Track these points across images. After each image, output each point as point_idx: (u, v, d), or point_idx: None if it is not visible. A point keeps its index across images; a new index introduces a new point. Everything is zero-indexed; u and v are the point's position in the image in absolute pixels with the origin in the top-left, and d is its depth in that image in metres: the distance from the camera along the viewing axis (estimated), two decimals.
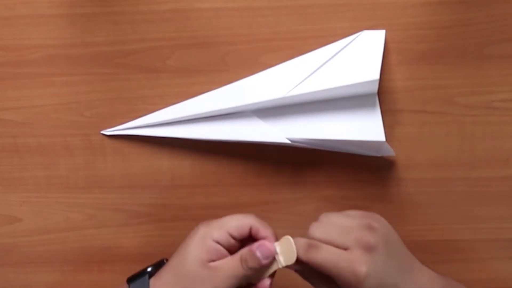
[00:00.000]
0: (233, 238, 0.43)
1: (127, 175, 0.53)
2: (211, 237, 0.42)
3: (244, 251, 0.42)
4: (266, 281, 0.43)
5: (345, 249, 0.41)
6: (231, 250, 0.43)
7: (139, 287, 0.44)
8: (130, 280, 0.46)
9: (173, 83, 0.51)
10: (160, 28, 0.50)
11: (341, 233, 0.41)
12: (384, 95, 0.50)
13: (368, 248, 0.40)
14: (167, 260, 0.48)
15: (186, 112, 0.50)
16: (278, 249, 0.42)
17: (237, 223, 0.43)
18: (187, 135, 0.51)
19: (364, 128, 0.48)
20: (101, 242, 0.55)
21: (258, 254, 0.41)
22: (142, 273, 0.45)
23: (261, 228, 0.43)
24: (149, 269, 0.46)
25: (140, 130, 0.52)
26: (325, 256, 0.40)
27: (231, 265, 0.42)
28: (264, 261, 0.42)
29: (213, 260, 0.42)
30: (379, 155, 0.51)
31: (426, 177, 0.52)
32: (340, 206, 0.54)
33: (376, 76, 0.46)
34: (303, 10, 0.49)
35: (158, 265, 0.46)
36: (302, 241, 0.42)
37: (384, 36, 0.48)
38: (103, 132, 0.52)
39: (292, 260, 0.42)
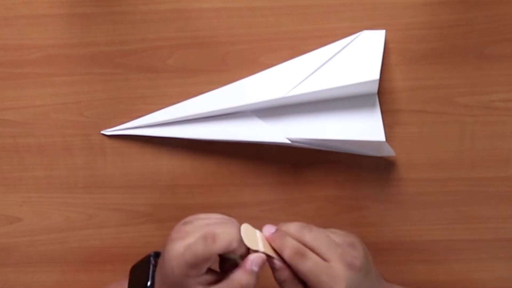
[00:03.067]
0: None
1: (127, 175, 0.53)
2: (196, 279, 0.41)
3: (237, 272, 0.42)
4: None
5: (328, 261, 0.41)
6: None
7: None
8: None
9: (173, 83, 0.51)
10: (160, 28, 0.50)
11: (329, 245, 0.42)
12: (384, 95, 0.50)
13: (351, 266, 0.41)
14: (155, 253, 0.47)
15: (186, 112, 0.50)
16: (242, 234, 0.42)
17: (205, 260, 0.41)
18: (187, 135, 0.51)
19: (364, 128, 0.48)
20: (101, 242, 0.55)
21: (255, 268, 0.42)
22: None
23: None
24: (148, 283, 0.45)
25: (140, 130, 0.52)
26: (310, 266, 0.41)
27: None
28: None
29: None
30: (379, 155, 0.51)
31: (426, 177, 0.52)
32: (340, 206, 0.54)
33: (376, 76, 0.46)
34: (303, 10, 0.49)
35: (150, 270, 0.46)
36: (291, 243, 0.42)
37: (384, 36, 0.48)
38: (103, 132, 0.52)
39: (256, 246, 0.42)
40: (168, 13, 0.49)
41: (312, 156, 0.52)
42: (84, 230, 0.55)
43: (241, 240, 0.41)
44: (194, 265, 0.40)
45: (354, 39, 0.48)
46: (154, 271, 0.46)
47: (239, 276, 0.41)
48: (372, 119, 0.48)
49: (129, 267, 0.48)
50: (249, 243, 0.41)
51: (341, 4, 0.48)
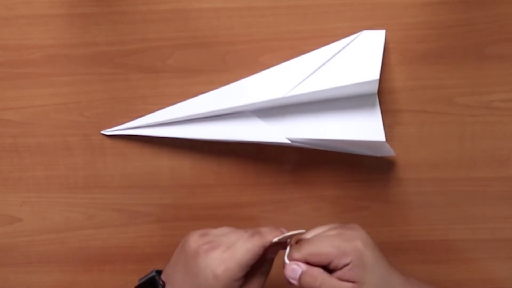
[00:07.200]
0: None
1: (127, 175, 0.53)
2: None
3: None
4: None
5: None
6: None
7: None
8: None
9: (173, 83, 0.51)
10: (160, 28, 0.50)
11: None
12: (384, 95, 0.50)
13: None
14: (157, 272, 0.46)
15: (186, 112, 0.50)
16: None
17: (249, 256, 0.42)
18: (187, 135, 0.51)
19: (364, 128, 0.48)
20: (101, 242, 0.55)
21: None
22: None
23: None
24: None
25: (140, 130, 0.52)
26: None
27: None
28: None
29: None
30: (379, 155, 0.51)
31: (426, 177, 0.52)
32: (340, 206, 0.54)
33: (376, 76, 0.46)
34: (303, 10, 0.49)
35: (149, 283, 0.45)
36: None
37: (384, 36, 0.48)
38: (103, 132, 0.52)
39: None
40: (168, 13, 0.49)
41: (312, 156, 0.52)
42: (84, 230, 0.55)
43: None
44: (245, 264, 0.41)
45: (354, 39, 0.48)
46: (153, 282, 0.45)
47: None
48: (372, 119, 0.48)
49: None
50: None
51: (341, 4, 0.48)
